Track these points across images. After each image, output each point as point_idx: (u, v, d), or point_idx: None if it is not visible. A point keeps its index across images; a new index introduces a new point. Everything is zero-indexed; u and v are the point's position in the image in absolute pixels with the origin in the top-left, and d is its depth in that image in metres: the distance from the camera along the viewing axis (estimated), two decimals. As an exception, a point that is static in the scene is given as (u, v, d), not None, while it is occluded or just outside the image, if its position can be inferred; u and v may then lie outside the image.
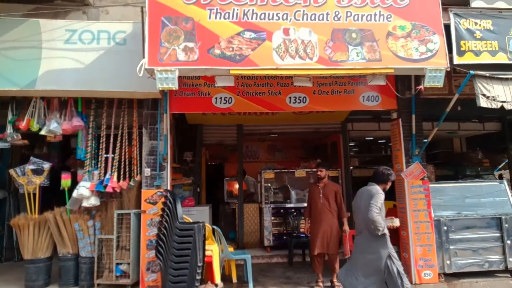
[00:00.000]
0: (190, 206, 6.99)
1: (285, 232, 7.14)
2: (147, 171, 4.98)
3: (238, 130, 7.98)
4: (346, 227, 5.09)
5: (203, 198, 7.80)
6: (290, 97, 5.46)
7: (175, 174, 7.37)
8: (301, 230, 6.90)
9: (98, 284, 4.96)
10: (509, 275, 5.29)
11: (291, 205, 7.32)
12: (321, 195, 5.17)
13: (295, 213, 6.97)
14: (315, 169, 7.43)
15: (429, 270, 5.13)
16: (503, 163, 8.77)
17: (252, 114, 7.24)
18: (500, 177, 8.30)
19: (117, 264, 4.95)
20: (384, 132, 8.68)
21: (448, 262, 5.20)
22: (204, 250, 4.70)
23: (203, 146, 7.98)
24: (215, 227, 5.38)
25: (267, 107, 5.50)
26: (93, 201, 5.03)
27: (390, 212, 5.53)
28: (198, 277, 4.37)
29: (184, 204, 7.02)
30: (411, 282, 5.11)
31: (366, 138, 9.77)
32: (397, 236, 5.82)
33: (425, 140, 5.47)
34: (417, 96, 5.36)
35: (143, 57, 3.99)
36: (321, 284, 5.03)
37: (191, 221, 5.06)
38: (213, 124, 7.90)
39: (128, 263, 4.93)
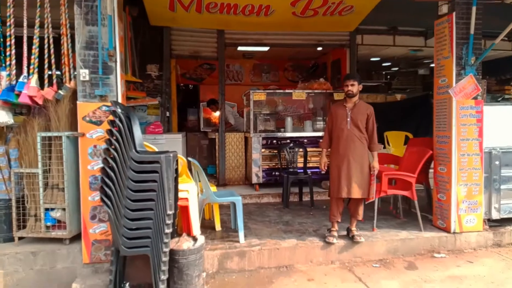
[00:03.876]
0: (157, 133, 5.35)
1: (278, 167, 5.78)
2: (84, 74, 3.20)
3: (218, 38, 6.12)
4: (375, 163, 3.70)
5: (173, 125, 6.14)
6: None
7: (136, 92, 5.58)
8: (300, 164, 5.54)
9: (20, 238, 3.42)
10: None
11: (287, 135, 5.86)
12: (348, 119, 3.68)
13: (291, 144, 5.54)
14: (322, 90, 5.89)
15: (472, 215, 3.97)
16: None
17: (238, 13, 5.37)
18: None
19: (47, 209, 3.39)
20: (398, 49, 7.13)
21: (496, 205, 4.06)
22: (176, 191, 3.21)
23: (173, 58, 6.11)
24: (191, 159, 3.84)
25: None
26: (2, 118, 3.27)
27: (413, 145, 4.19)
28: (168, 230, 2.92)
29: (148, 130, 5.37)
30: (448, 230, 3.96)
31: (371, 59, 8.19)
32: (425, 173, 4.57)
33: (493, 43, 3.92)
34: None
35: None
36: (335, 233, 3.76)
37: (156, 150, 3.47)
38: (185, 28, 5.98)
39: (64, 209, 3.37)
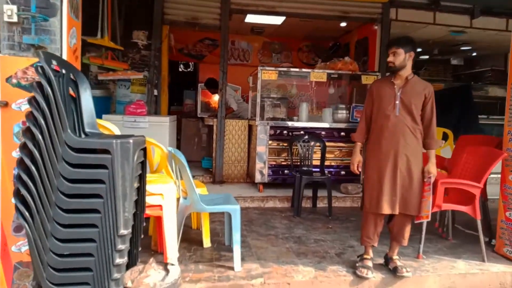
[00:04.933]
0: (138, 114, 4.27)
1: (287, 164, 4.69)
2: (9, 12, 2.11)
3: (222, 2, 4.99)
4: (432, 166, 2.58)
5: (163, 106, 5.05)
6: None
7: (115, 62, 4.47)
8: (315, 162, 4.44)
9: None
10: None
11: (301, 124, 4.75)
12: (397, 102, 2.56)
13: (306, 137, 4.44)
14: (348, 71, 4.67)
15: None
16: None
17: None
18: None
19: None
20: (437, 29, 5.97)
21: None
22: (142, 196, 2.14)
23: (165, 24, 4.99)
24: (172, 149, 2.75)
25: None
26: None
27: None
28: (121, 260, 1.85)
29: (128, 110, 4.29)
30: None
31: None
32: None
33: None
34: None
35: None
36: (369, 263, 2.67)
37: (115, 134, 2.40)
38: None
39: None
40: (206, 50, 7.01)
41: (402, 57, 2.56)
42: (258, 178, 4.66)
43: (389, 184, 2.51)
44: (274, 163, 4.72)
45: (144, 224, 2.23)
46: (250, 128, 5.11)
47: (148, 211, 2.33)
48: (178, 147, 6.82)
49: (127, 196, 1.84)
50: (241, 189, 4.76)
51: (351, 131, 4.80)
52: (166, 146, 4.25)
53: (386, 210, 2.54)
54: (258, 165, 4.67)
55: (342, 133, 4.76)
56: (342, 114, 4.87)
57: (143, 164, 2.14)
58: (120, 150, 1.81)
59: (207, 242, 3.03)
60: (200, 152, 6.33)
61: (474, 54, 8.10)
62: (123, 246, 1.84)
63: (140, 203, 2.15)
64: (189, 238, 3.20)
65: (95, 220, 1.82)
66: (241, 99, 6.14)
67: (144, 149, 2.12)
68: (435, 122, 2.56)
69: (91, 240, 1.82)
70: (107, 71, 4.53)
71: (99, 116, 4.08)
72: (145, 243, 2.95)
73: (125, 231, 1.83)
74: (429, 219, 2.61)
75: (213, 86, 5.57)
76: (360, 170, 2.79)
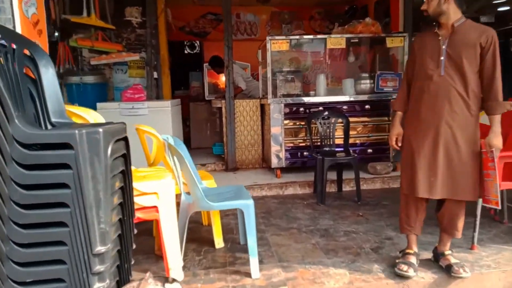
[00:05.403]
0: (136, 100, 3.83)
1: (307, 144, 4.19)
2: None
3: (222, -32, 4.42)
4: (494, 137, 2.02)
5: (165, 90, 4.59)
6: None
7: (107, 43, 4.02)
8: (337, 140, 3.92)
9: None
10: None
11: (319, 99, 4.21)
12: (441, 58, 2.02)
13: (325, 113, 3.91)
14: (370, 34, 3.96)
15: None
16: None
17: None
18: None
19: None
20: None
21: None
22: (129, 196, 1.71)
23: (161, -2, 4.47)
24: (167, 137, 2.28)
25: None
26: None
27: None
28: (101, 284, 1.43)
29: (125, 97, 3.86)
30: None
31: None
32: None
33: None
34: None
35: None
36: (413, 259, 2.18)
37: (92, 122, 1.95)
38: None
39: None
40: (209, 26, 6.46)
41: (435, 1, 2.00)
42: (274, 162, 4.18)
43: (426, 162, 2.03)
44: (292, 145, 4.22)
45: (135, 231, 1.80)
46: (263, 108, 4.61)
47: (140, 215, 1.90)
48: (188, 134, 6.42)
49: (101, 203, 1.40)
50: (257, 176, 4.31)
51: (376, 103, 4.25)
52: (170, 133, 3.83)
53: (421, 193, 2.06)
54: (274, 148, 4.18)
55: (367, 106, 4.20)
56: (366, 84, 4.29)
57: (126, 158, 1.69)
58: (87, 143, 1.36)
59: (219, 242, 2.61)
60: (213, 138, 5.90)
61: (507, 8, 7.21)
62: (101, 267, 1.42)
63: (126, 207, 1.72)
64: (199, 237, 2.78)
65: (62, 235, 1.39)
66: (251, 77, 5.62)
67: (125, 139, 1.67)
68: (499, 79, 1.99)
69: (59, 262, 1.40)
70: (99, 55, 4.09)
71: (93, 105, 3.68)
72: (148, 247, 2.56)
73: (102, 247, 1.40)
74: (500, 207, 2.08)
75: (218, 64, 5.06)
76: (400, 144, 2.29)
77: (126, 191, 1.73)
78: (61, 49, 4.09)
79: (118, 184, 1.65)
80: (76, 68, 4.29)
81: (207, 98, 6.04)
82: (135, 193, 1.86)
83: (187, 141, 6.45)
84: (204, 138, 6.12)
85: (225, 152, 4.72)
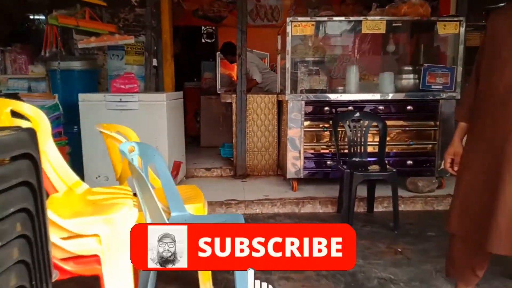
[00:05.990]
0: (127, 91, 3.19)
1: (331, 152, 3.44)
2: None
3: None
4: None
5: (166, 81, 3.93)
6: None
7: (97, 23, 3.40)
8: (371, 148, 3.14)
9: None
10: None
11: (348, 97, 3.43)
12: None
13: (357, 114, 3.14)
14: (416, 17, 3.13)
15: None
16: None
17: None
18: None
19: None
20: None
21: None
22: (43, 244, 1.03)
23: (165, -28, 3.80)
24: (128, 144, 1.59)
25: None
26: None
27: None
28: None
29: (113, 87, 3.23)
30: None
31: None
32: None
33: None
34: None
35: None
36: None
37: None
38: None
39: None
40: (225, 10, 5.75)
41: None
42: (291, 172, 3.45)
43: (506, 202, 1.27)
44: (313, 151, 3.47)
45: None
46: (280, 105, 3.89)
47: (70, 268, 1.23)
48: (198, 131, 5.77)
49: None
50: (269, 187, 3.61)
51: (421, 103, 3.43)
52: (165, 133, 3.17)
53: (498, 248, 1.31)
54: (291, 154, 3.45)
55: (409, 107, 3.39)
56: (408, 79, 3.47)
57: (32, 187, 1.02)
58: None
59: (207, 287, 1.92)
60: (225, 136, 5.20)
61: None
62: None
63: (37, 263, 1.06)
64: (180, 277, 2.11)
65: None
66: (268, 68, 4.89)
67: (30, 156, 1.00)
68: None
69: None
70: (89, 37, 3.47)
71: (75, 95, 3.06)
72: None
73: None
74: None
75: (230, 52, 4.36)
76: (456, 168, 1.56)
77: (38, 237, 1.07)
78: (48, 30, 3.52)
79: (19, 230, 0.99)
80: (65, 53, 3.70)
81: (218, 91, 5.36)
82: (62, 234, 1.20)
83: (196, 139, 5.81)
84: (215, 136, 5.43)
85: (234, 155, 4.03)
